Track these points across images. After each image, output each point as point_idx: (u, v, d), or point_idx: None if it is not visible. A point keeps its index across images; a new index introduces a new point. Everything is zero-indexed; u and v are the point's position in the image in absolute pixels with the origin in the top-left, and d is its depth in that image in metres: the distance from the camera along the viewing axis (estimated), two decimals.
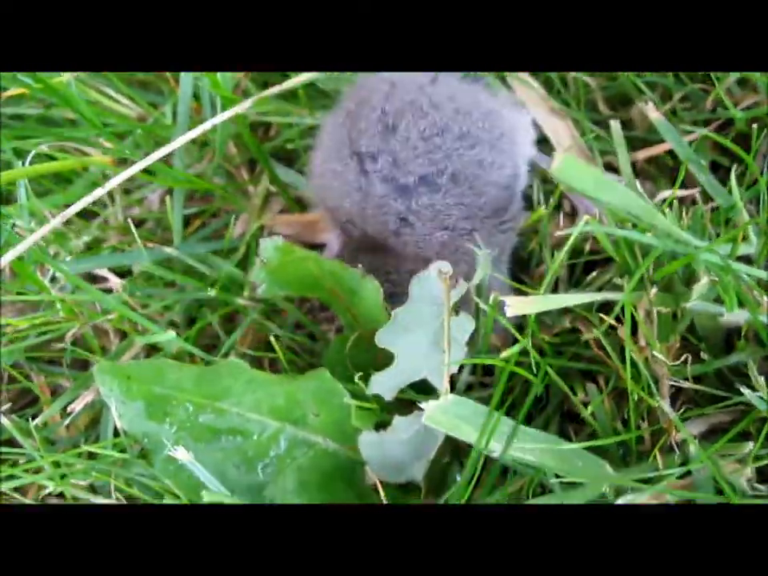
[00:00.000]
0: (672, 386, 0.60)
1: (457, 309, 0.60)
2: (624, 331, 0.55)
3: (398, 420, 0.63)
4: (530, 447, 0.57)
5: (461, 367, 0.63)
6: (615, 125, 0.68)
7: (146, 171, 0.69)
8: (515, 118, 0.69)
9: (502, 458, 0.58)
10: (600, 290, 0.64)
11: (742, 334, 0.59)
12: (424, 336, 0.61)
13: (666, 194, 0.66)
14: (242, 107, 0.67)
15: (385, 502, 0.63)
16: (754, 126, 0.65)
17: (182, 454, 0.60)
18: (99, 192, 0.59)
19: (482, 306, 0.58)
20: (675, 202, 0.60)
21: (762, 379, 0.55)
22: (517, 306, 0.58)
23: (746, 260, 0.63)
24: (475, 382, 0.66)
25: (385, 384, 0.63)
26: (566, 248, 0.58)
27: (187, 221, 0.80)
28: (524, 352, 0.58)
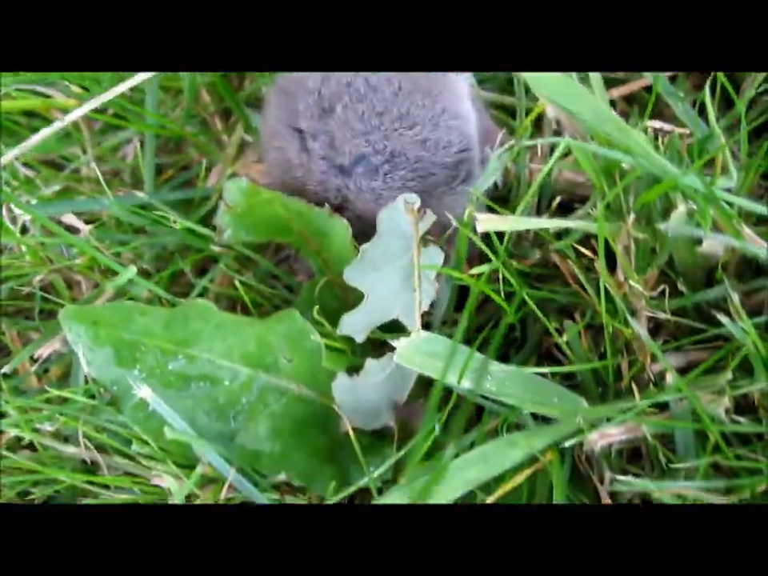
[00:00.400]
0: (651, 319, 0.59)
1: (426, 241, 0.58)
2: (599, 254, 0.53)
3: (370, 363, 0.62)
4: (501, 374, 0.55)
5: (432, 304, 0.61)
6: None
7: (118, 116, 0.67)
8: (457, 87, 0.65)
9: (474, 394, 0.57)
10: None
11: (720, 264, 0.57)
12: (394, 272, 0.60)
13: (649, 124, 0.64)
14: None
15: (358, 449, 0.61)
16: None
17: (145, 393, 0.59)
18: (58, 125, 0.58)
19: (454, 222, 0.56)
20: (650, 132, 0.58)
21: (736, 297, 0.53)
22: (488, 222, 0.56)
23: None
24: (449, 319, 0.65)
25: (355, 324, 0.61)
26: (544, 169, 0.56)
27: (161, 171, 0.78)
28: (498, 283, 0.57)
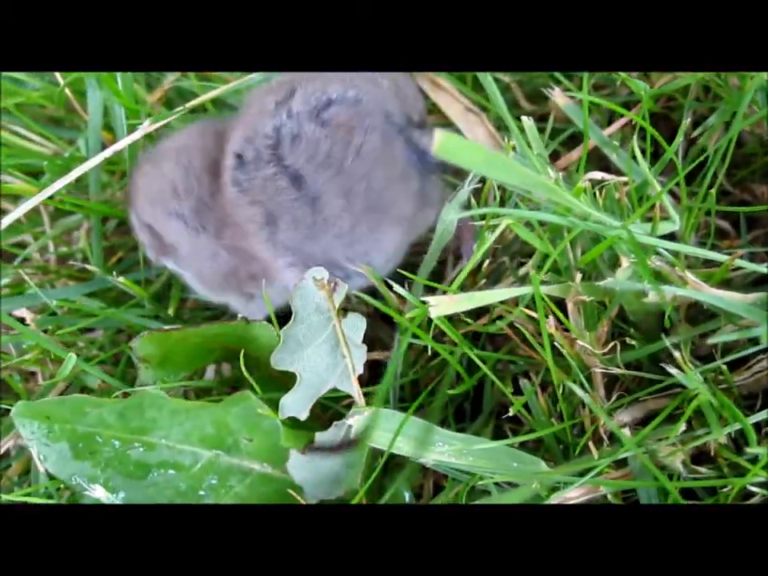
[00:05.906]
0: (607, 374, 0.58)
1: (345, 310, 0.59)
2: (540, 317, 0.53)
3: (319, 436, 0.61)
4: (458, 443, 0.55)
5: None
6: (528, 121, 0.65)
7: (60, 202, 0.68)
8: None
9: (430, 463, 0.56)
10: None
11: (667, 314, 0.56)
12: (321, 347, 0.60)
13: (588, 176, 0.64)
14: (146, 128, 0.66)
15: None
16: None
17: (99, 494, 0.58)
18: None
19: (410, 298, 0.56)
20: (588, 184, 0.58)
21: (678, 354, 0.52)
22: (441, 305, 0.56)
23: (673, 238, 0.62)
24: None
25: (295, 405, 0.61)
26: (480, 250, 0.56)
27: (113, 251, 0.78)
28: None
